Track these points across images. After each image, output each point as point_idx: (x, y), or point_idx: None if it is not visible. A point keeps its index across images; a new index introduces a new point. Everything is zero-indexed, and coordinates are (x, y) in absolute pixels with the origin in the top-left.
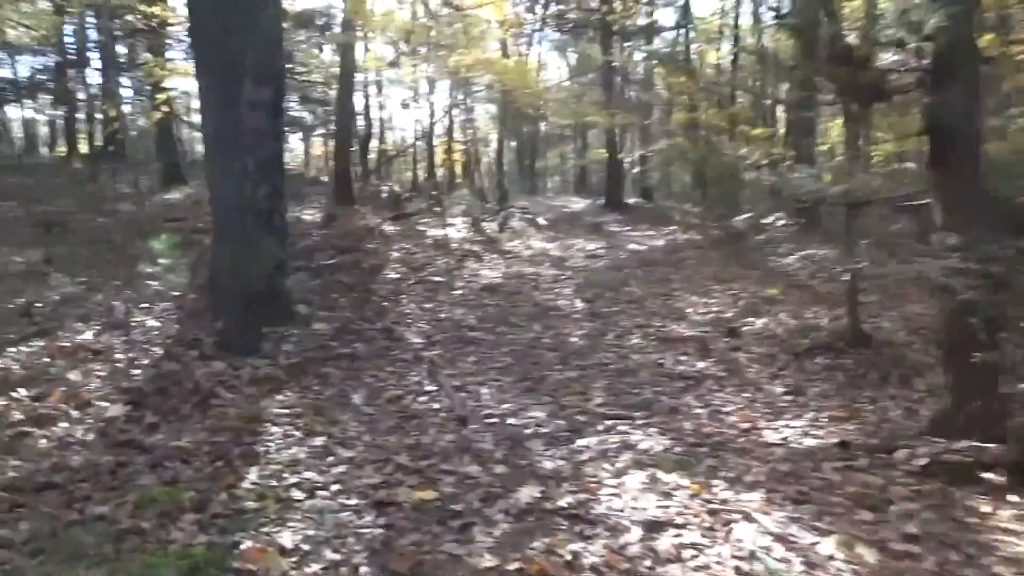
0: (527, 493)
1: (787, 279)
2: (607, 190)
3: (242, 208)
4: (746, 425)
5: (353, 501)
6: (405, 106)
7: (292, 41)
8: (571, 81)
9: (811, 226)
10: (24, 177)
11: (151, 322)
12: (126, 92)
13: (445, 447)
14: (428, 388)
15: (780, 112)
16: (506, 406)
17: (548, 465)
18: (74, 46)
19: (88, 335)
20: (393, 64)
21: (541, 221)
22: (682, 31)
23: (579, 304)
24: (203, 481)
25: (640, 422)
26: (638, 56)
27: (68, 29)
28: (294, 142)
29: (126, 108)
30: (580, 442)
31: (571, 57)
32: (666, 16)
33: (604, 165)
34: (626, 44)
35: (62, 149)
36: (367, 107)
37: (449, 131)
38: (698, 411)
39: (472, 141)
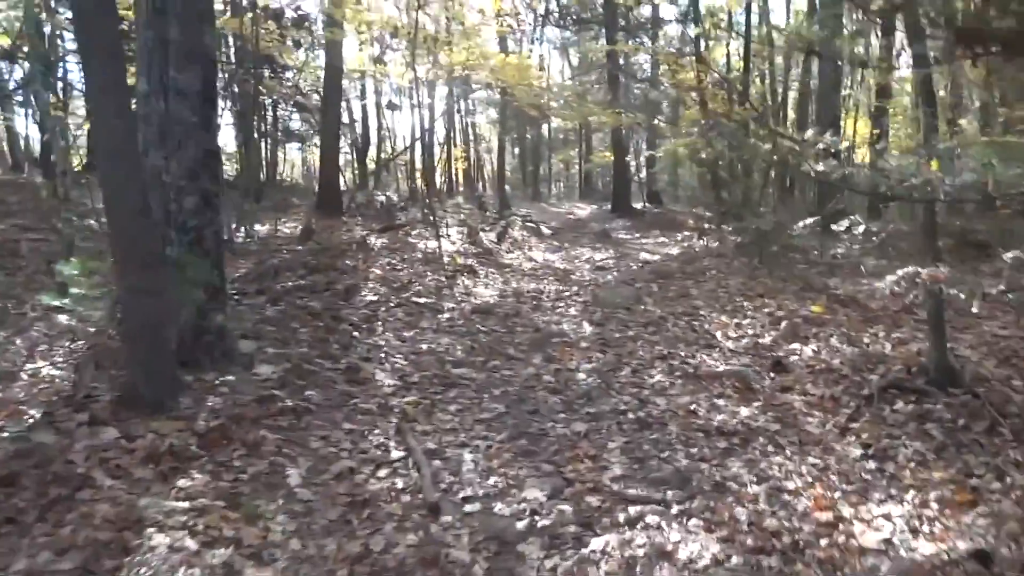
0: None
1: (828, 293)
2: (614, 195)
3: (153, 226)
4: (825, 516)
5: None
6: (391, 108)
7: (267, 36)
8: (574, 80)
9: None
10: None
11: (48, 370)
12: None
13: (404, 557)
14: (393, 455)
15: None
16: (493, 481)
17: None
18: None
19: None
20: (379, 61)
21: (544, 229)
22: (689, 24)
23: (587, 328)
24: None
25: (675, 509)
26: (644, 52)
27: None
28: (292, 153)
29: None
30: (593, 544)
31: (573, 57)
32: (669, 10)
33: (609, 169)
34: (631, 39)
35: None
36: (364, 113)
37: (448, 136)
38: (753, 489)
39: (472, 145)
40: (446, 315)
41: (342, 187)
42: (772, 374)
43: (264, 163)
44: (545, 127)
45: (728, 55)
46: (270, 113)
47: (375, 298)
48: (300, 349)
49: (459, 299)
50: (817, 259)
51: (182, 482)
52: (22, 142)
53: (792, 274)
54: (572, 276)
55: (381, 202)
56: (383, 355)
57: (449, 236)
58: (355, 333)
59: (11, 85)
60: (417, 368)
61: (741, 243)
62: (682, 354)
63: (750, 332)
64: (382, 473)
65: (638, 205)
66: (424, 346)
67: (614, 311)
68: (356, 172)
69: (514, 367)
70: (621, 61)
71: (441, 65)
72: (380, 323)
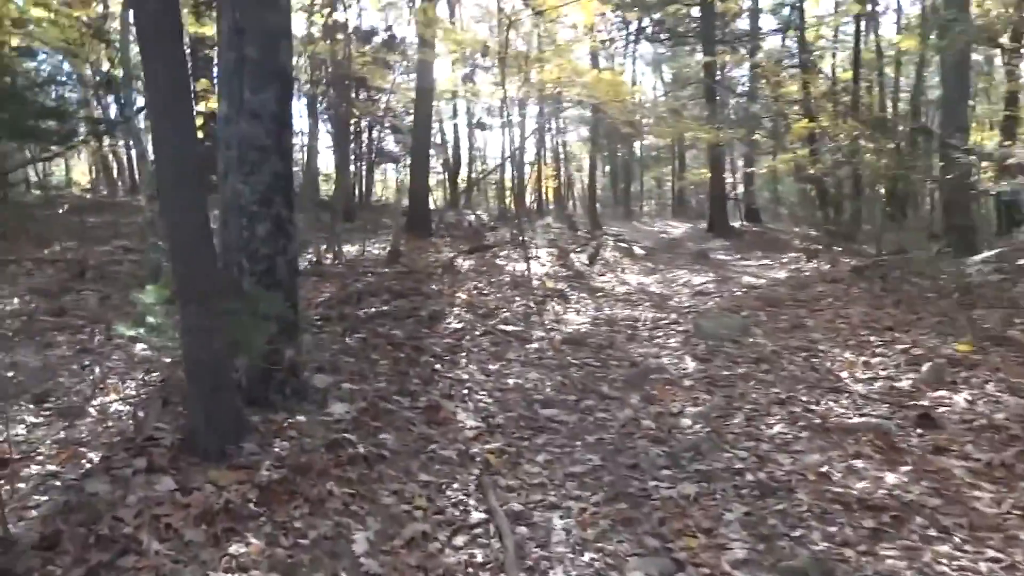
0: None
1: (976, 327)
2: (710, 213)
3: (214, 256)
4: None
5: None
6: (481, 127)
7: (359, 58)
8: (669, 95)
9: (966, 248)
10: (106, 215)
11: (116, 405)
12: None
13: None
14: (472, 517)
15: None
16: (588, 558)
17: None
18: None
19: (19, 429)
20: (469, 80)
21: (637, 250)
22: (791, 36)
23: (690, 363)
24: None
25: None
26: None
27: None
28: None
29: None
30: None
31: (667, 74)
32: (769, 21)
33: (704, 186)
34: (728, 55)
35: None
36: (456, 133)
37: (539, 154)
38: None
39: (563, 164)
40: (535, 345)
41: (431, 207)
42: (919, 429)
43: (359, 184)
44: (637, 144)
45: (833, 67)
46: (365, 135)
47: (460, 325)
48: (378, 384)
49: (549, 327)
50: (950, 285)
51: (235, 547)
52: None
53: (925, 304)
54: (669, 302)
55: (470, 222)
56: (466, 391)
57: (539, 258)
58: (437, 366)
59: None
60: (502, 407)
61: (858, 267)
62: (803, 399)
63: (882, 373)
64: (459, 541)
65: (735, 224)
66: (511, 381)
67: (719, 344)
68: (448, 192)
69: (609, 408)
70: (718, 75)
71: (532, 83)
72: (464, 354)
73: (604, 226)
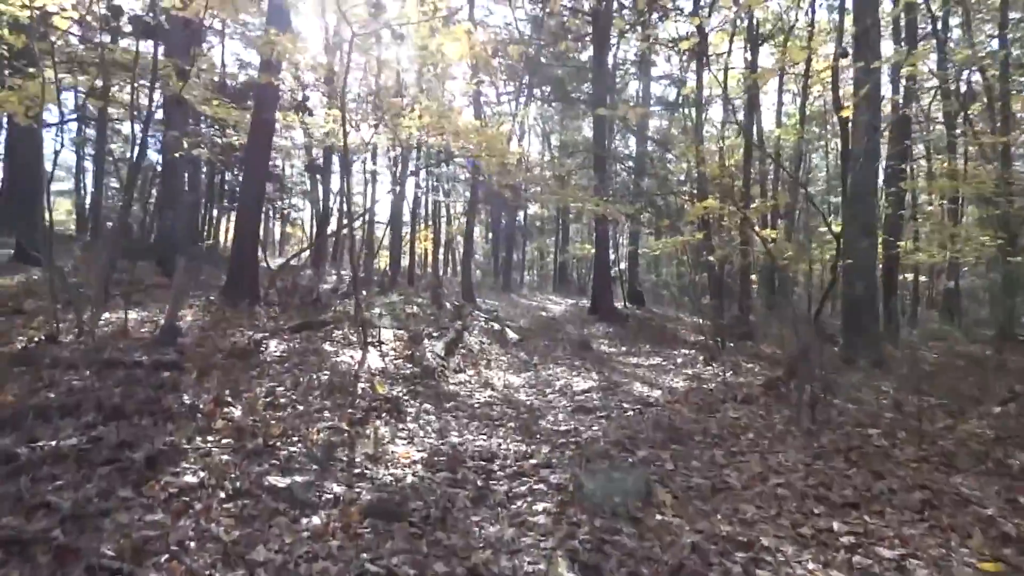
0: None
1: (979, 517)
2: (593, 293)
3: None
4: None
5: None
6: (312, 169)
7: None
8: (556, 161)
9: (874, 356)
10: None
11: None
12: None
13: None
14: None
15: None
16: None
17: None
18: None
19: None
20: (301, 109)
21: (510, 334)
22: (682, 108)
23: (564, 571)
24: None
25: None
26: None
27: None
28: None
29: None
30: None
31: (554, 139)
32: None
33: (586, 261)
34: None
35: None
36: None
37: (413, 213)
38: None
39: (442, 225)
40: (317, 520)
41: (264, 266)
42: None
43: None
44: (521, 214)
45: (722, 151)
46: (204, 173)
47: (196, 479)
48: None
49: (353, 476)
50: (903, 426)
51: None
52: None
53: (885, 460)
54: (542, 421)
55: (314, 288)
56: None
57: (381, 345)
58: None
59: None
60: None
61: (771, 381)
62: None
63: None
64: None
65: (618, 304)
66: None
67: (611, 526)
68: (304, 249)
69: None
70: (609, 144)
71: (392, 125)
72: (167, 559)
73: (478, 299)
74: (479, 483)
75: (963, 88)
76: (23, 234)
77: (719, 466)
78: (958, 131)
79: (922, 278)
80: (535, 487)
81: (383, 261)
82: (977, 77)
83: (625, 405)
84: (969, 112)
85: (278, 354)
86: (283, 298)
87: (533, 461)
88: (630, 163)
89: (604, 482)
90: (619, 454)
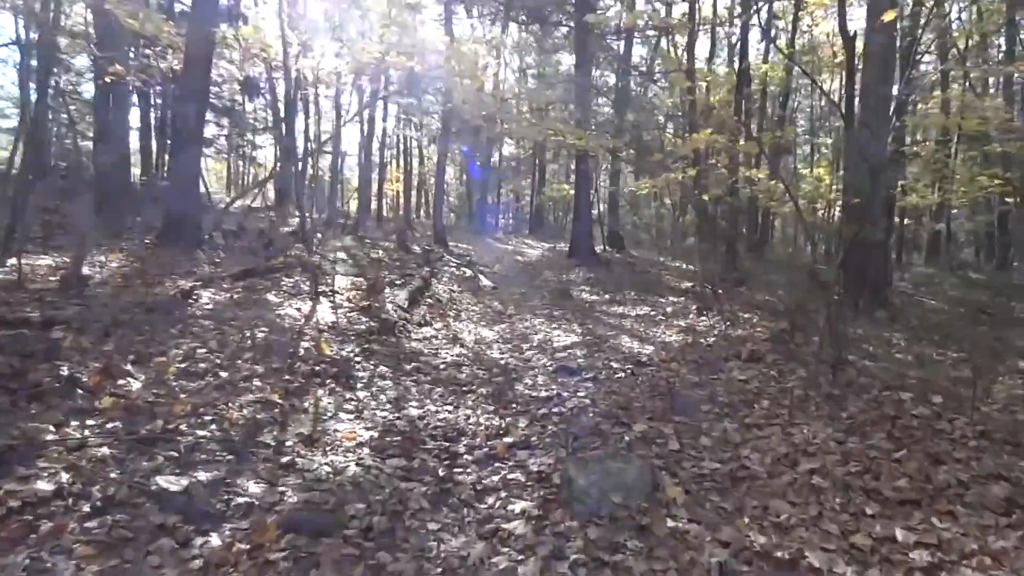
0: None
1: None
2: (573, 237)
3: None
4: None
5: None
6: (250, 91)
7: None
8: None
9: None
10: None
11: None
12: None
13: None
14: None
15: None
16: None
17: None
18: None
19: None
20: (234, 18)
21: (484, 281)
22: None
23: None
24: None
25: None
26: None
27: None
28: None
29: None
30: None
31: (532, 76)
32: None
33: (564, 204)
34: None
35: None
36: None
37: (380, 152)
38: None
39: (411, 162)
40: (215, 542)
41: (208, 206)
42: None
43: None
44: (496, 154)
45: (708, 83)
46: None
47: (50, 486)
48: None
49: (278, 468)
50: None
51: None
52: None
53: (934, 435)
54: (518, 385)
55: (263, 230)
56: None
57: (335, 295)
58: None
59: None
60: None
61: (779, 333)
62: None
63: None
64: None
65: (598, 248)
66: None
67: (610, 533)
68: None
69: None
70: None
71: (347, 43)
72: None
73: (451, 243)
74: (440, 472)
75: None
76: None
77: (734, 445)
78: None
79: (906, 220)
80: (510, 477)
81: (352, 203)
82: None
83: (614, 364)
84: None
85: (210, 307)
86: (229, 241)
87: (508, 439)
88: (612, 95)
89: (599, 475)
90: (612, 429)
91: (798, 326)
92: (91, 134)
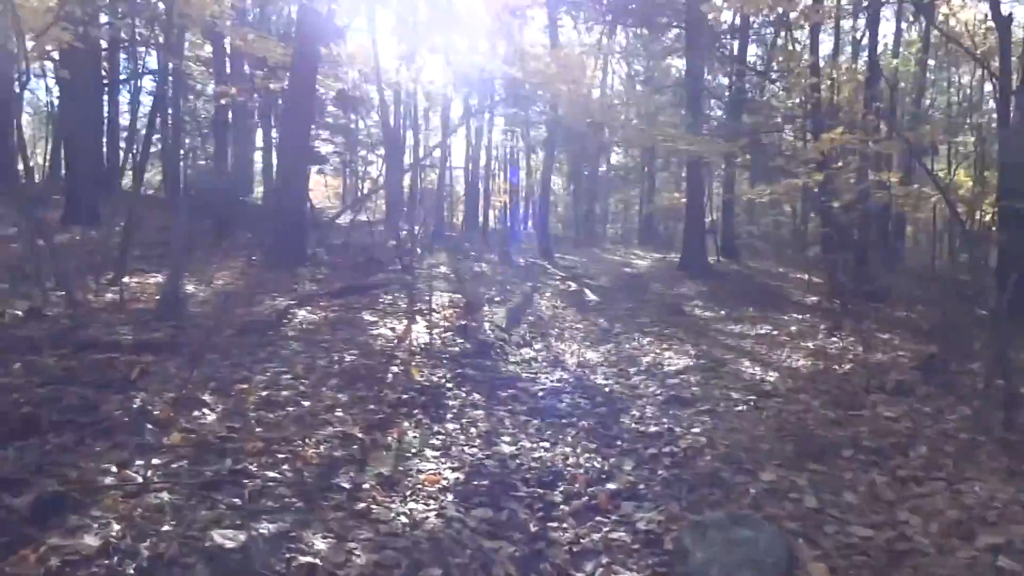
0: None
1: None
2: (685, 247)
3: None
4: None
5: None
6: (345, 105)
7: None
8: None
9: None
10: None
11: None
12: None
13: None
14: None
15: None
16: None
17: None
18: None
19: None
20: (334, 37)
21: (589, 295)
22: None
23: None
24: None
25: None
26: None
27: None
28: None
29: None
30: None
31: (640, 79)
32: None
33: (675, 213)
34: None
35: None
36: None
37: (487, 164)
38: None
39: (515, 174)
40: None
41: (313, 221)
42: None
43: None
44: (604, 164)
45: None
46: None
47: (95, 542)
48: None
49: (350, 518)
50: None
51: None
52: None
53: None
54: (624, 418)
55: (368, 246)
56: None
57: (432, 313)
58: None
59: None
60: None
61: (928, 360)
62: None
63: None
64: None
65: (711, 259)
66: None
67: None
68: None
69: None
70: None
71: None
72: None
73: (556, 255)
74: (532, 527)
75: None
76: (73, 191)
77: (887, 504)
78: None
79: None
80: (613, 537)
81: (458, 216)
82: None
83: (734, 395)
84: None
85: (303, 327)
86: (334, 257)
87: (612, 486)
88: (725, 98)
89: (721, 547)
90: (734, 477)
91: (951, 351)
92: (212, 154)
